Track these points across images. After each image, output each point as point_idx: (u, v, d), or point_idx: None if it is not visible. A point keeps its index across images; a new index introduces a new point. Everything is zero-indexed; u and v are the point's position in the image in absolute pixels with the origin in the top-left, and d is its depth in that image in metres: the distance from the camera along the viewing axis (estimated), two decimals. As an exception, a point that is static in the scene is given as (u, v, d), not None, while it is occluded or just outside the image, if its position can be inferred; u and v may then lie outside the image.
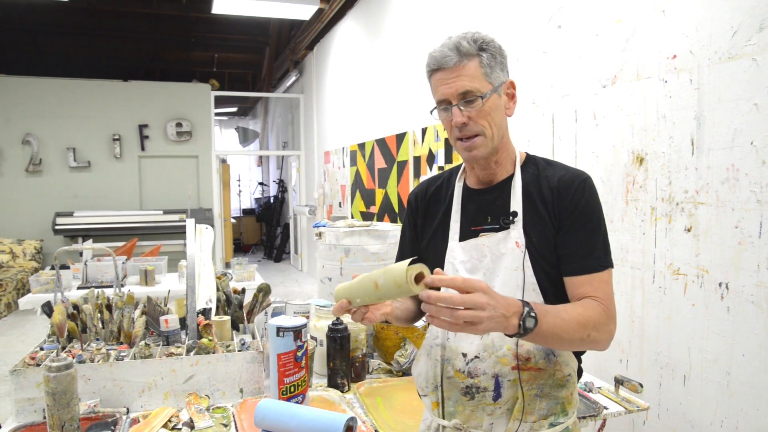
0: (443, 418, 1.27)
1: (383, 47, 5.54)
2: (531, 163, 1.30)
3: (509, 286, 1.21)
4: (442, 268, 1.30)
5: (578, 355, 1.29)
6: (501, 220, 1.25)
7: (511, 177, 1.28)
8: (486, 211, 1.28)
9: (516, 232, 1.22)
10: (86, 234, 7.87)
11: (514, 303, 1.02)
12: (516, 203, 1.24)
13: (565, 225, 1.21)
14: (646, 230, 2.31)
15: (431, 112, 1.28)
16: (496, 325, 0.98)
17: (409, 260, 1.00)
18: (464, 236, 1.29)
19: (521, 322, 1.01)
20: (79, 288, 4.15)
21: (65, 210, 8.25)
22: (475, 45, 1.20)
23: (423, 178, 4.58)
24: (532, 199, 1.24)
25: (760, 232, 1.85)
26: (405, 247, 1.47)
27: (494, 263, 1.24)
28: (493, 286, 1.23)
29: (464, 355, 1.24)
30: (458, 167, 1.39)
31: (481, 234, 1.27)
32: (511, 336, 1.04)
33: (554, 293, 1.22)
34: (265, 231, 12.54)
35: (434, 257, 1.34)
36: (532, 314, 1.02)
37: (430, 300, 0.96)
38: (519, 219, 1.23)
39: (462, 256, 1.27)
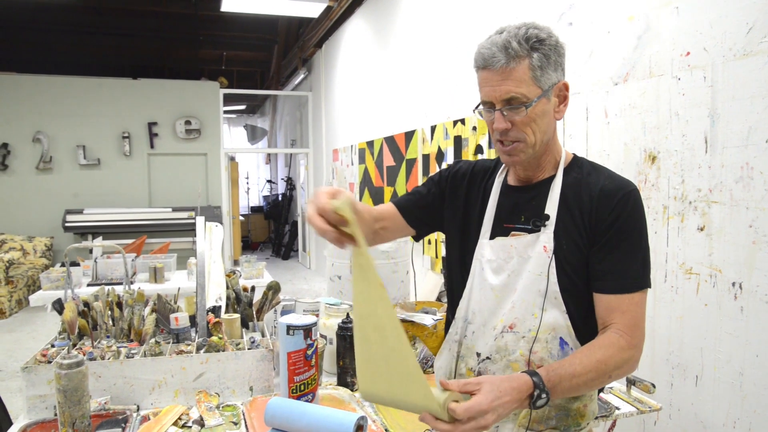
0: None
1: (392, 45, 5.53)
2: (576, 167, 1.24)
3: (531, 292, 1.18)
4: (470, 263, 1.29)
5: None
6: (533, 222, 1.21)
7: (551, 178, 1.23)
8: (520, 210, 1.25)
9: (545, 237, 1.18)
10: (96, 231, 7.91)
11: (523, 386, 1.01)
12: (551, 207, 1.20)
13: (602, 239, 1.15)
14: (658, 229, 2.29)
15: (474, 109, 1.23)
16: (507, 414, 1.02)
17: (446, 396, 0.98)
18: (495, 232, 1.26)
19: (532, 404, 1.02)
20: (89, 285, 4.17)
21: (75, 207, 8.29)
22: (526, 45, 1.12)
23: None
24: (568, 204, 1.19)
25: (775, 231, 1.83)
26: (422, 194, 1.41)
27: (520, 266, 1.21)
28: (515, 289, 1.20)
29: (478, 354, 1.23)
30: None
31: (512, 233, 1.23)
32: None
33: (575, 303, 1.18)
34: (274, 229, 12.56)
35: (462, 251, 1.32)
36: (543, 395, 1.02)
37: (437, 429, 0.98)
38: (551, 223, 1.18)
39: (490, 255, 1.25)
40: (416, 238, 1.46)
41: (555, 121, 1.21)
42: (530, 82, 1.13)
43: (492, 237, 1.26)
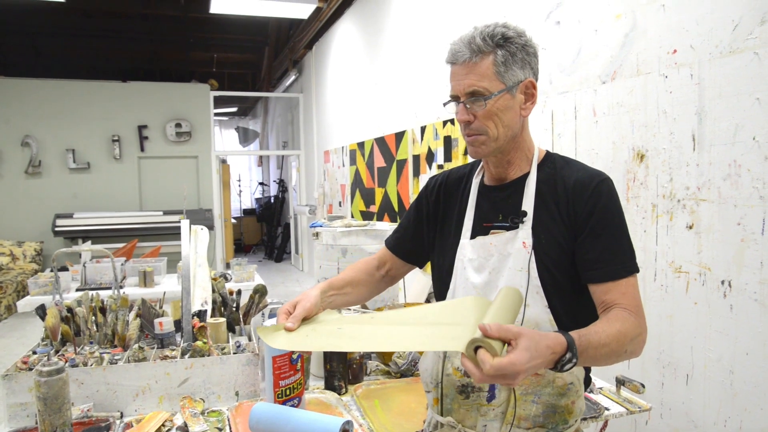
0: (441, 414, 1.27)
1: (382, 45, 5.51)
2: (549, 162, 1.27)
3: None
4: (452, 264, 1.30)
5: None
6: (511, 219, 1.23)
7: (526, 175, 1.26)
8: (498, 209, 1.27)
9: (524, 233, 1.20)
10: (86, 235, 7.85)
11: (557, 347, 0.93)
12: (527, 203, 1.22)
13: (584, 229, 1.17)
14: (647, 228, 2.28)
15: (445, 104, 1.26)
16: (532, 373, 0.93)
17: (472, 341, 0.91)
18: (476, 232, 1.28)
19: (557, 366, 0.95)
20: (77, 290, 4.13)
21: (65, 212, 8.22)
22: (491, 41, 1.17)
23: (423, 176, 4.56)
24: (544, 199, 1.21)
25: (763, 228, 1.83)
26: (406, 227, 1.48)
27: (500, 263, 1.22)
28: (497, 287, 1.21)
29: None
30: (479, 162, 1.38)
31: (492, 231, 1.25)
32: None
33: (558, 297, 1.18)
34: (266, 231, 12.52)
35: (445, 252, 1.34)
36: (573, 360, 0.95)
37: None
38: (528, 219, 1.20)
39: (471, 254, 1.26)
40: (421, 267, 1.52)
41: (522, 117, 1.23)
42: (493, 77, 1.17)
43: (473, 237, 1.28)
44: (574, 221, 1.18)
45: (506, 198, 1.26)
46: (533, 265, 1.18)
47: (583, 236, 1.17)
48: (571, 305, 1.19)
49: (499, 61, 1.17)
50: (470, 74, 1.17)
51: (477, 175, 1.35)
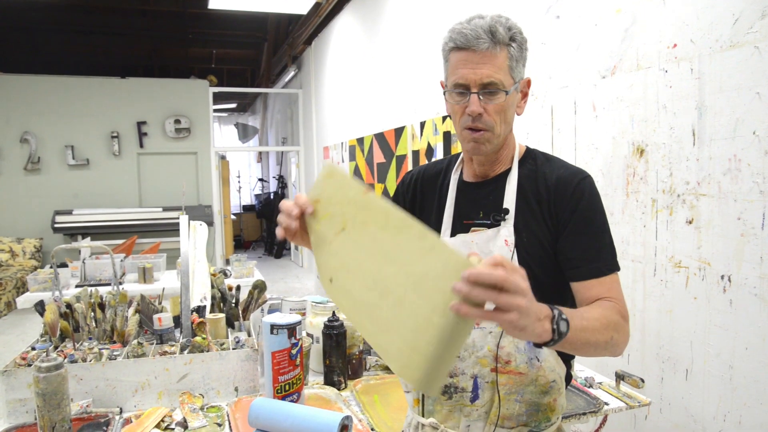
0: (422, 416, 1.25)
1: (381, 41, 5.50)
2: (530, 158, 1.25)
3: None
4: None
5: (567, 360, 1.22)
6: (492, 217, 1.20)
7: (507, 172, 1.23)
8: (479, 206, 1.24)
9: (506, 230, 1.17)
10: (86, 232, 7.85)
11: (543, 307, 0.90)
12: (509, 200, 1.19)
13: (566, 227, 1.15)
14: (647, 222, 2.28)
15: (444, 92, 1.20)
16: (531, 323, 0.84)
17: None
18: (456, 230, 1.25)
19: (555, 327, 0.90)
20: (77, 286, 4.13)
21: (64, 208, 8.22)
22: (508, 33, 1.13)
23: (422, 172, 4.55)
24: (526, 196, 1.19)
25: (763, 223, 1.82)
26: None
27: None
28: None
29: None
30: (457, 156, 1.34)
31: (473, 229, 1.23)
32: (540, 346, 0.92)
33: (539, 295, 1.14)
34: (266, 227, 12.52)
35: None
36: (564, 317, 0.92)
37: (470, 278, 0.78)
38: (510, 216, 1.18)
39: None
40: None
41: (515, 116, 1.22)
42: (507, 71, 1.13)
43: (452, 234, 1.25)
44: (556, 220, 1.16)
45: (487, 195, 1.24)
46: (515, 263, 1.15)
47: (565, 235, 1.16)
48: (552, 303, 1.18)
49: (513, 56, 1.13)
50: (488, 64, 1.11)
51: (455, 171, 1.31)
